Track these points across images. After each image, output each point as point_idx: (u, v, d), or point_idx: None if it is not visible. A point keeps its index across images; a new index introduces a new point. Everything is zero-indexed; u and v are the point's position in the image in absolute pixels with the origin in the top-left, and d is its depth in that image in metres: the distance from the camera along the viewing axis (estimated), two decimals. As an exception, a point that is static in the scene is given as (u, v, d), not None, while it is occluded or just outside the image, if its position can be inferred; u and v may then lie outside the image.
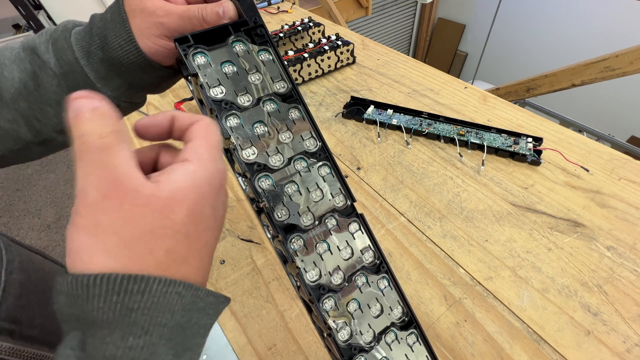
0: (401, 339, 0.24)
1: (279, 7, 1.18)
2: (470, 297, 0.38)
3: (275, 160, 0.23)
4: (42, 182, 1.97)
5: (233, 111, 0.23)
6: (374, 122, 0.63)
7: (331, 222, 0.24)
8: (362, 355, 0.23)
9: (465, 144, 0.56)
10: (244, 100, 0.23)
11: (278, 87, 0.24)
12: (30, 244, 0.26)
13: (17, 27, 2.05)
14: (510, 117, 0.62)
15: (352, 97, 0.68)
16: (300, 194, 0.23)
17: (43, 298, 0.22)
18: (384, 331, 0.24)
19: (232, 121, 0.22)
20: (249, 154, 0.22)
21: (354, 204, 0.24)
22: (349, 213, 0.24)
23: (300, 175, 0.23)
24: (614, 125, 2.29)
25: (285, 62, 0.30)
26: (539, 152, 0.53)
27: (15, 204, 1.85)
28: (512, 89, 1.27)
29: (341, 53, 0.77)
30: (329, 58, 0.76)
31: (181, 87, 0.80)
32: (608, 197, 0.47)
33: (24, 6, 1.69)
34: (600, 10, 2.11)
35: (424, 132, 0.59)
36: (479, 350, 0.34)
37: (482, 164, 0.53)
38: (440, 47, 3.32)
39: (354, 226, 0.25)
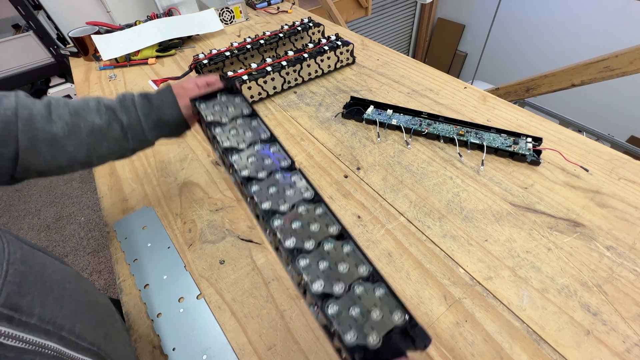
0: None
1: (278, 8, 1.18)
2: (470, 297, 0.38)
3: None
4: (42, 182, 1.97)
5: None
6: (373, 122, 0.63)
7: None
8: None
9: (464, 144, 0.56)
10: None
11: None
12: (38, 245, 0.27)
13: (16, 27, 2.05)
14: (509, 117, 0.62)
15: (352, 97, 0.68)
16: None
17: (42, 290, 0.22)
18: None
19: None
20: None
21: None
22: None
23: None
24: (614, 125, 2.29)
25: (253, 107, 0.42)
26: (538, 152, 0.53)
27: (15, 204, 1.85)
28: (512, 89, 1.27)
29: (341, 53, 0.77)
30: (328, 58, 0.76)
31: (181, 87, 0.80)
32: (607, 197, 0.47)
33: (24, 6, 1.69)
34: (600, 11, 2.11)
35: (424, 132, 0.59)
36: (478, 350, 0.34)
37: (482, 164, 0.53)
38: (440, 47, 3.32)
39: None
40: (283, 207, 0.30)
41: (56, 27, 1.85)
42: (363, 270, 0.27)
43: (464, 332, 0.36)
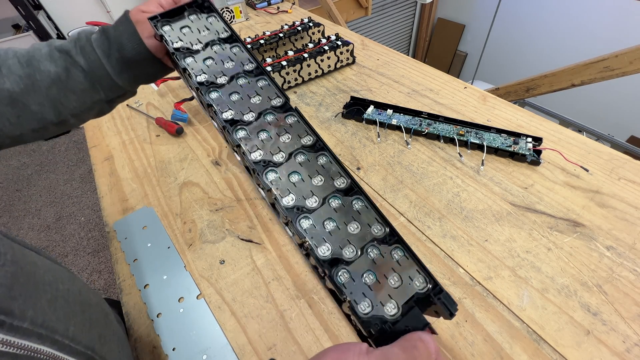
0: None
1: (278, 7, 1.18)
2: (470, 297, 0.38)
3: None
4: (42, 182, 1.97)
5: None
6: (373, 122, 0.63)
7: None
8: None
9: (465, 144, 0.56)
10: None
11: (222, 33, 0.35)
12: (30, 244, 0.27)
13: (16, 27, 2.05)
14: (509, 117, 0.62)
15: (352, 97, 0.68)
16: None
17: (35, 292, 0.22)
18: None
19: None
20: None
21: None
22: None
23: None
24: (614, 125, 2.29)
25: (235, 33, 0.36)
26: (538, 152, 0.53)
27: (15, 204, 1.85)
28: (512, 89, 1.27)
29: (341, 53, 0.77)
30: (328, 58, 0.76)
31: (181, 88, 0.80)
32: (607, 197, 0.47)
33: (24, 6, 1.69)
34: (600, 11, 2.11)
35: (424, 132, 0.59)
36: (478, 350, 0.34)
37: (482, 164, 0.53)
38: (440, 47, 3.32)
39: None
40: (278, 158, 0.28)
41: (56, 27, 1.85)
42: (377, 230, 0.24)
43: (464, 332, 0.36)
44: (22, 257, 0.23)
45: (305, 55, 0.73)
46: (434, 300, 0.21)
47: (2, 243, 0.21)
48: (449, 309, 0.21)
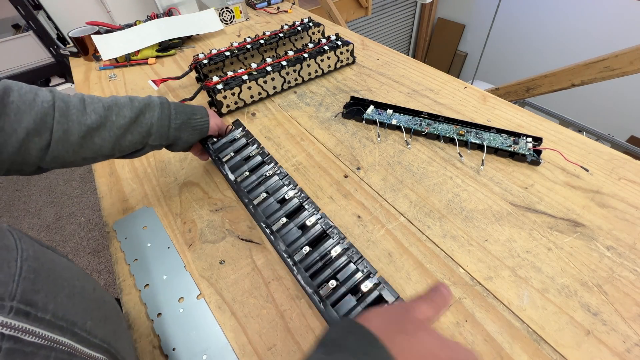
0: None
1: (278, 7, 1.18)
2: (470, 297, 0.38)
3: None
4: (41, 182, 1.97)
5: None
6: (373, 122, 0.63)
7: None
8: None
9: (465, 144, 0.56)
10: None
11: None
12: (46, 243, 0.28)
13: (16, 27, 2.05)
14: (509, 117, 0.62)
15: (352, 97, 0.68)
16: None
17: (54, 287, 0.23)
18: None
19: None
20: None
21: None
22: None
23: None
24: (614, 125, 2.29)
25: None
26: (538, 152, 0.53)
27: (15, 204, 1.85)
28: (512, 89, 1.27)
29: (341, 53, 0.77)
30: (328, 58, 0.76)
31: (181, 87, 0.80)
32: (608, 197, 0.47)
33: (24, 6, 1.69)
34: (600, 10, 2.11)
35: (424, 132, 0.59)
36: (479, 350, 0.34)
37: (482, 164, 0.53)
38: (440, 47, 3.32)
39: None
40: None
41: (56, 27, 1.85)
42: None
43: (464, 332, 0.36)
44: (42, 254, 0.24)
45: (305, 55, 0.73)
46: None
47: (23, 240, 0.23)
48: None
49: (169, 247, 0.46)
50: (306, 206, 0.41)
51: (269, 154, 0.49)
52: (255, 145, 0.51)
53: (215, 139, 0.52)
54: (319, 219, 0.40)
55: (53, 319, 0.21)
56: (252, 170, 0.47)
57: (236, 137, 0.52)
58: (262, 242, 0.46)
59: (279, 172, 0.46)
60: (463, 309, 0.37)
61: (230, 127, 0.54)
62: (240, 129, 0.54)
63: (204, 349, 0.36)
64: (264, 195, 0.44)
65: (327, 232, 0.38)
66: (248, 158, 0.49)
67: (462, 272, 0.41)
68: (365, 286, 0.33)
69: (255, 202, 0.43)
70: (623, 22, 2.04)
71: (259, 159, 0.49)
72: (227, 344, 0.37)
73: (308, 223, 0.39)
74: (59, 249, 1.61)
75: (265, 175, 0.46)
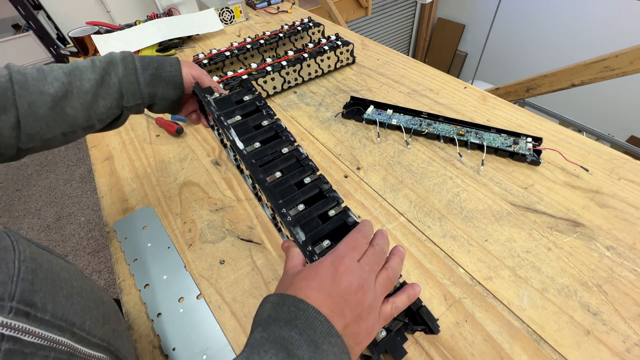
0: None
1: (278, 7, 1.18)
2: (470, 297, 0.38)
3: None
4: (42, 182, 1.97)
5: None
6: (373, 122, 0.63)
7: None
8: None
9: (465, 144, 0.56)
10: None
11: None
12: (42, 244, 0.28)
13: (16, 27, 2.05)
14: (509, 117, 0.62)
15: (352, 97, 0.68)
16: None
17: (53, 287, 0.23)
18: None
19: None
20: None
21: None
22: None
23: None
24: (614, 125, 2.29)
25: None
26: (538, 152, 0.53)
27: (15, 204, 1.85)
28: (512, 89, 1.27)
29: (341, 53, 0.77)
30: (328, 58, 0.76)
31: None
32: (608, 197, 0.47)
33: (24, 6, 1.69)
34: (600, 10, 2.11)
35: (424, 132, 0.59)
36: (478, 350, 0.34)
37: (482, 164, 0.53)
38: (440, 47, 3.32)
39: None
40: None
41: (56, 27, 1.85)
42: None
43: (464, 332, 0.36)
44: (39, 255, 0.24)
45: (305, 55, 0.73)
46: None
47: (20, 242, 0.23)
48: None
49: (169, 247, 0.46)
50: (328, 195, 0.36)
51: (285, 127, 0.42)
52: (268, 116, 0.43)
53: (217, 95, 0.45)
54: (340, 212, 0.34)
55: (52, 319, 0.21)
56: (264, 142, 0.40)
57: (244, 100, 0.45)
58: (262, 242, 0.46)
59: (297, 151, 0.39)
60: (463, 309, 0.37)
61: (219, 85, 0.47)
62: (251, 93, 0.46)
63: (204, 349, 0.36)
64: (279, 174, 0.37)
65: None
66: (259, 127, 0.42)
67: (462, 272, 0.41)
68: None
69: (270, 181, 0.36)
70: (623, 22, 2.03)
71: (272, 132, 0.41)
72: (227, 344, 0.37)
73: (331, 214, 0.34)
74: (59, 249, 1.61)
75: (282, 152, 0.39)
